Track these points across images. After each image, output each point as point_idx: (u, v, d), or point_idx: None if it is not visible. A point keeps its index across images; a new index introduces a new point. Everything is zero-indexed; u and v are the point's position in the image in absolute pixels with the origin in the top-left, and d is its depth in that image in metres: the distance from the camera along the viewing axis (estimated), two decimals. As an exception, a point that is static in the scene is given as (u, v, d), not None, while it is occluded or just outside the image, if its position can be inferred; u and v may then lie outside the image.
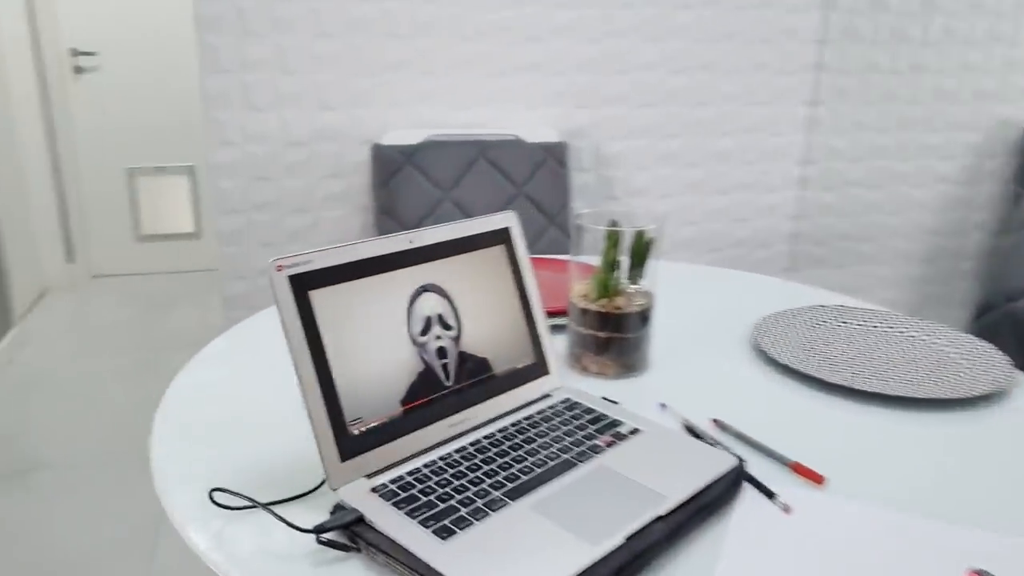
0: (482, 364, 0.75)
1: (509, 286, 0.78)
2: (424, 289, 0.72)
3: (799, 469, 0.71)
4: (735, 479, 0.67)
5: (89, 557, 1.74)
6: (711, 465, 0.67)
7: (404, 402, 0.68)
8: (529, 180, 1.83)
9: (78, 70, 3.53)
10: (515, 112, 1.89)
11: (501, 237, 0.79)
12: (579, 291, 0.90)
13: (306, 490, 0.66)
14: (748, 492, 0.67)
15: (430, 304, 0.72)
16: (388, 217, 1.71)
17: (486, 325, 0.76)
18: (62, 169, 3.53)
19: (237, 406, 0.81)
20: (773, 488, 0.68)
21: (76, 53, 3.51)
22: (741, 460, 0.69)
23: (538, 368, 0.79)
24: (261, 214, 1.75)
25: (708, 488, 0.64)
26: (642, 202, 2.08)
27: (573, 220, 0.89)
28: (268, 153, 1.71)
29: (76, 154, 3.60)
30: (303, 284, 0.64)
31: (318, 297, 0.65)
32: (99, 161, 3.63)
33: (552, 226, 1.90)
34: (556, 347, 0.97)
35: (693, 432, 0.77)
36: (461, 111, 1.85)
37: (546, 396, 0.79)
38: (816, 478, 0.70)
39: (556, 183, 1.86)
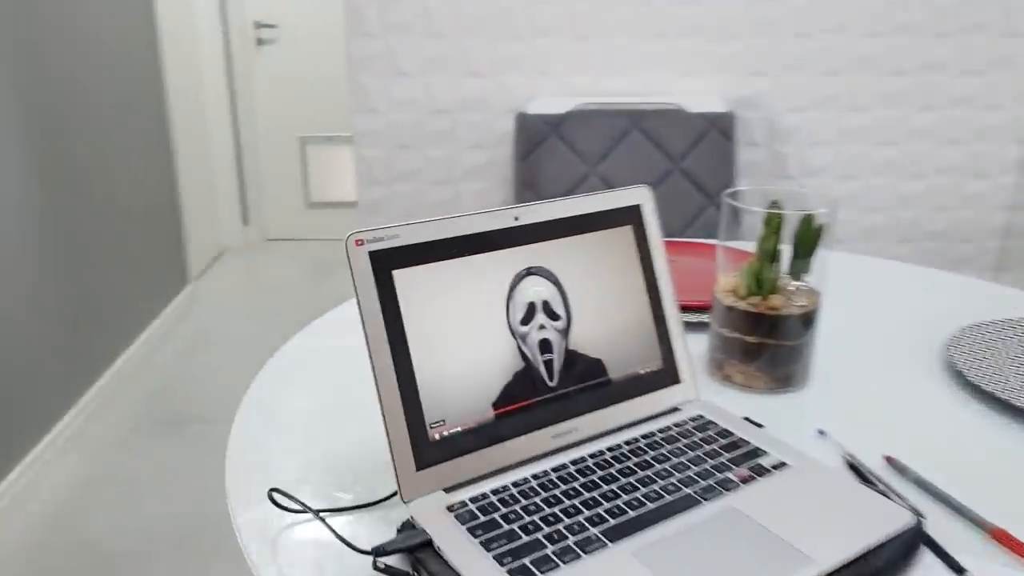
0: (595, 366, 0.63)
1: (635, 274, 0.66)
2: (529, 272, 0.61)
3: (1001, 537, 0.54)
4: (910, 543, 0.51)
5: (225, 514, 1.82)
6: (878, 521, 0.52)
7: (497, 405, 0.58)
8: (688, 154, 1.67)
9: (260, 42, 3.72)
10: (676, 79, 1.73)
11: (630, 216, 0.67)
12: (726, 284, 0.76)
13: (377, 499, 0.58)
14: (926, 562, 0.52)
15: (535, 289, 0.61)
16: (529, 191, 1.62)
17: (603, 319, 0.64)
18: (241, 137, 3.75)
19: (335, 384, 0.75)
20: (962, 560, 0.52)
21: (259, 25, 3.70)
22: (920, 517, 0.53)
23: (666, 375, 0.67)
24: (403, 184, 1.72)
25: (872, 552, 0.50)
26: (819, 183, 1.85)
27: (724, 198, 0.75)
28: (412, 121, 1.67)
29: (255, 123, 3.82)
30: (386, 262, 0.56)
31: (402, 277, 0.56)
32: (275, 130, 3.83)
33: (712, 206, 1.73)
34: (692, 350, 0.83)
35: (858, 472, 0.62)
36: (615, 77, 1.71)
37: (673, 410, 0.66)
38: (1028, 554, 0.53)
39: (720, 158, 1.69)
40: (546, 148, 1.60)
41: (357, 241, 0.55)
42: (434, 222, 0.58)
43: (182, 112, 3.26)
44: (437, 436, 0.56)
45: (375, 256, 0.55)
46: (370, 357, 0.54)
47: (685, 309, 0.91)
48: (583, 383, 0.62)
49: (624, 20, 1.68)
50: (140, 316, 2.59)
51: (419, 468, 0.55)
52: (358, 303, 0.54)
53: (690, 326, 0.89)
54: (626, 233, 0.66)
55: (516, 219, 0.61)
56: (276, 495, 0.58)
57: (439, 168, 1.73)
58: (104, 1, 2.24)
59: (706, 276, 0.97)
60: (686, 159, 1.67)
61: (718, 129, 1.69)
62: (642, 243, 0.67)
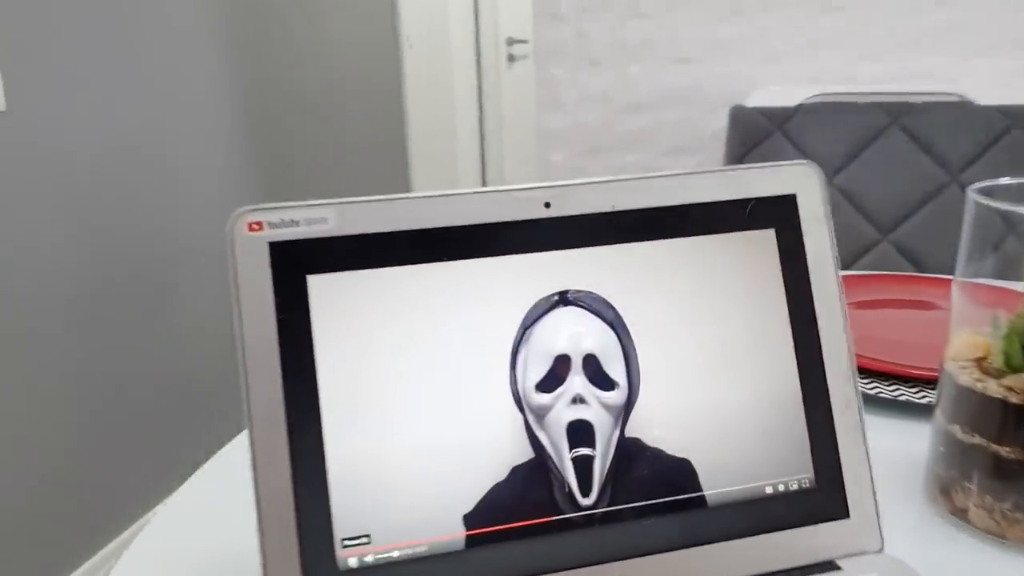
0: (677, 474, 0.36)
1: (774, 315, 0.38)
2: (563, 300, 0.36)
3: None
4: None
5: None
6: None
7: (472, 521, 0.34)
8: (974, 161, 1.24)
9: (511, 58, 3.72)
10: (959, 61, 1.31)
11: (774, 213, 0.38)
12: (966, 348, 0.43)
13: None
14: None
15: (572, 331, 0.36)
16: (745, 205, 1.31)
17: (699, 393, 0.37)
18: (487, 155, 3.77)
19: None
20: None
21: (512, 42, 3.70)
22: None
23: (821, 500, 0.37)
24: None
25: None
26: None
27: (971, 194, 0.43)
28: (602, 120, 1.44)
29: (501, 142, 3.82)
30: (297, 262, 0.34)
31: (323, 290, 0.34)
32: (518, 147, 3.80)
33: (1011, 235, 1.27)
34: (883, 455, 0.50)
35: None
36: (868, 60, 1.33)
37: (832, 570, 0.37)
38: None
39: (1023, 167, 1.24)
40: (768, 150, 1.28)
41: (252, 224, 0.34)
42: (394, 201, 0.35)
43: (422, 127, 3.33)
44: (353, 563, 0.33)
45: (279, 251, 0.34)
46: (247, 416, 0.33)
47: (868, 374, 0.58)
48: (647, 501, 0.36)
49: (890, -12, 1.31)
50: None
51: (310, 617, 0.32)
52: (237, 324, 0.33)
53: (876, 405, 0.55)
54: (763, 242, 0.38)
55: (547, 205, 0.36)
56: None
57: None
58: (348, 17, 2.29)
59: (927, 333, 0.63)
60: (971, 168, 1.25)
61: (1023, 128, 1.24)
62: (793, 261, 0.38)
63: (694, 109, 1.40)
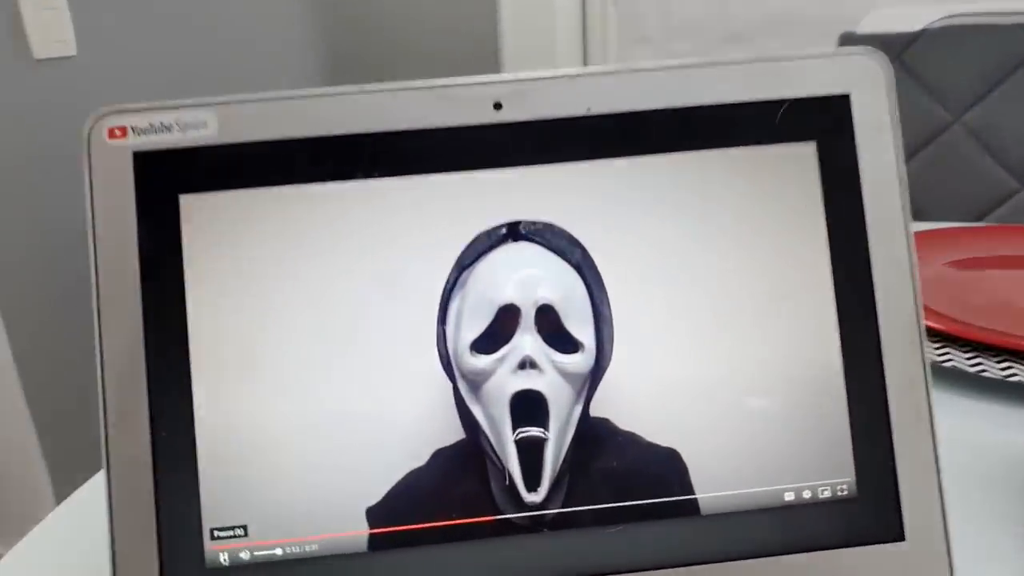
0: (658, 466, 0.27)
1: (806, 258, 0.28)
2: (514, 234, 0.27)
3: None
4: None
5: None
6: None
7: (377, 516, 0.26)
8: None
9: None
10: None
11: (815, 120, 0.28)
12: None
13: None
14: None
15: (523, 274, 0.27)
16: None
17: (695, 362, 0.27)
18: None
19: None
20: None
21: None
22: None
23: (868, 514, 0.27)
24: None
25: None
26: None
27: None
28: (694, 53, 1.30)
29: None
30: (168, 176, 0.27)
31: (201, 213, 0.27)
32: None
33: None
34: (967, 454, 0.39)
35: None
36: (1017, -25, 1.13)
37: (871, 607, 0.27)
38: None
39: None
40: (883, 85, 1.12)
41: (113, 130, 0.27)
42: (292, 100, 0.27)
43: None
44: (224, 560, 0.26)
45: (146, 164, 0.27)
46: (99, 369, 0.26)
47: (938, 339, 0.45)
48: (616, 503, 0.27)
49: None
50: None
51: (168, 624, 0.26)
52: (91, 256, 0.27)
53: (972, 389, 0.43)
54: (799, 160, 0.28)
55: (498, 107, 0.28)
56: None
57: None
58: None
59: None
60: None
61: None
62: (840, 187, 0.28)
63: (797, 36, 1.24)
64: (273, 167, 0.27)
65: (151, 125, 0.27)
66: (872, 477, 0.27)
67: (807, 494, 0.27)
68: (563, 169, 0.28)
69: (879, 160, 0.28)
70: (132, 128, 0.27)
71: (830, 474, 0.27)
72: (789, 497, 0.27)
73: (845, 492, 0.27)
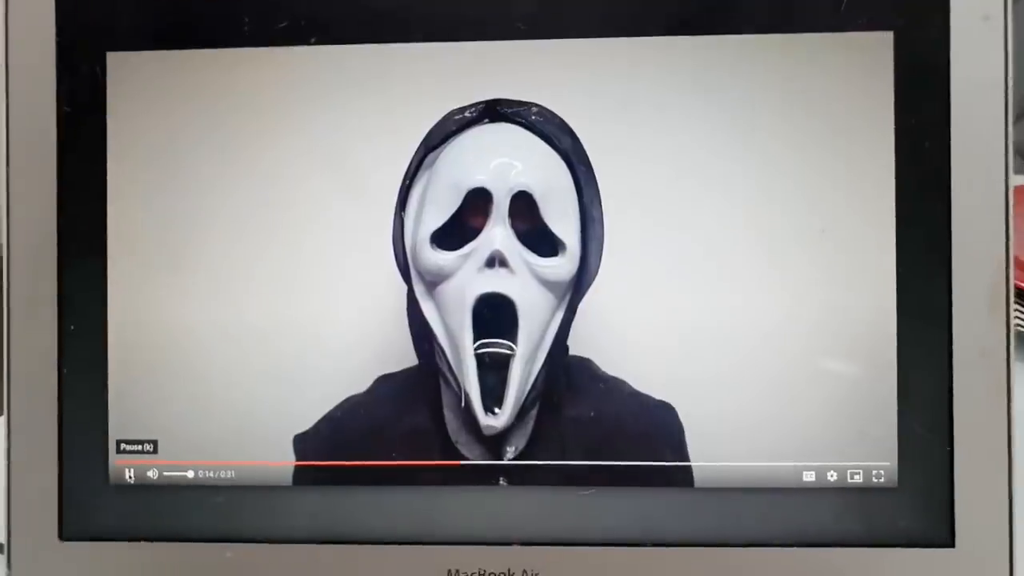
0: (647, 422, 0.22)
1: (866, 180, 0.22)
2: (492, 113, 0.22)
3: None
4: None
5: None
6: None
7: (308, 447, 0.22)
8: None
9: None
10: None
11: (895, 3, 0.22)
12: None
13: None
14: None
15: (500, 159, 0.22)
16: None
17: (705, 297, 0.22)
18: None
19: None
20: None
21: None
22: None
23: (909, 509, 0.22)
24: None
25: None
26: None
27: None
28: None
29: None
30: (94, 29, 0.23)
31: (126, 72, 0.23)
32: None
33: None
34: None
35: None
36: None
37: (897, 624, 0.22)
38: None
39: None
40: None
41: (37, -31, 0.23)
42: (242, -54, 0.23)
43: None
44: (128, 477, 0.23)
45: (70, 14, 0.23)
46: (5, 244, 0.23)
47: None
48: (592, 461, 0.22)
49: None
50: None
51: (65, 536, 0.23)
52: (4, 105, 0.23)
53: None
54: (868, 52, 0.22)
55: (487, -34, 0.22)
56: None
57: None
58: None
59: None
60: None
61: None
62: (922, 92, 0.22)
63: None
64: (214, 24, 0.23)
65: (78, -35, 0.23)
66: (919, 464, 0.22)
67: (832, 476, 0.22)
68: (555, 43, 0.22)
69: (980, 62, 0.22)
70: (57, -32, 0.23)
71: (865, 455, 0.22)
72: (809, 478, 0.22)
73: (882, 479, 0.22)
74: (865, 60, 0.22)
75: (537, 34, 0.22)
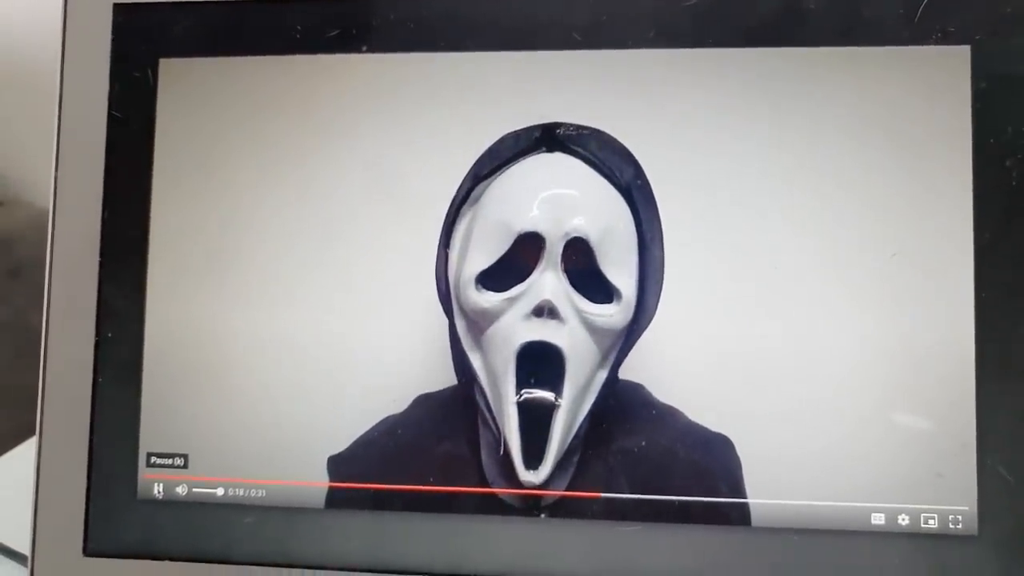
0: (701, 455, 0.21)
1: (942, 202, 0.21)
2: (549, 140, 0.22)
3: None
4: None
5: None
6: None
7: (342, 469, 0.22)
8: None
9: None
10: None
11: (973, 16, 0.21)
12: None
13: None
14: None
15: (555, 194, 0.22)
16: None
17: (767, 330, 0.21)
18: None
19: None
20: None
21: None
22: None
23: (991, 562, 0.20)
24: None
25: None
26: None
27: None
28: None
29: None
30: (147, 37, 0.24)
31: (178, 80, 0.24)
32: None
33: None
34: None
35: None
36: None
37: None
38: None
39: None
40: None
41: (95, -22, 0.24)
42: (297, -44, 0.23)
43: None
44: (158, 492, 0.23)
45: (128, 20, 0.24)
46: (49, 250, 0.24)
47: None
48: (640, 495, 0.21)
49: None
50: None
51: (90, 552, 0.23)
52: (55, 120, 0.24)
53: None
54: (945, 68, 0.21)
55: (544, -23, 0.23)
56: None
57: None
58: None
59: None
60: None
61: None
62: (1002, 109, 0.21)
63: None
64: (265, 32, 0.23)
65: (135, -26, 0.24)
66: (1001, 510, 0.21)
67: (904, 520, 0.21)
68: (620, 56, 0.22)
69: (1064, 78, 0.21)
70: (114, -24, 0.24)
71: (940, 498, 0.21)
72: (878, 521, 0.21)
73: (960, 526, 0.21)
74: (940, 75, 0.21)
75: (593, 44, 0.22)
